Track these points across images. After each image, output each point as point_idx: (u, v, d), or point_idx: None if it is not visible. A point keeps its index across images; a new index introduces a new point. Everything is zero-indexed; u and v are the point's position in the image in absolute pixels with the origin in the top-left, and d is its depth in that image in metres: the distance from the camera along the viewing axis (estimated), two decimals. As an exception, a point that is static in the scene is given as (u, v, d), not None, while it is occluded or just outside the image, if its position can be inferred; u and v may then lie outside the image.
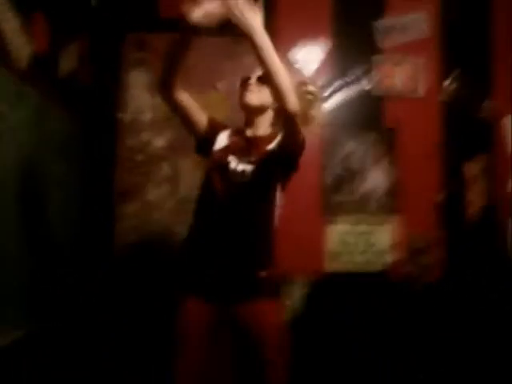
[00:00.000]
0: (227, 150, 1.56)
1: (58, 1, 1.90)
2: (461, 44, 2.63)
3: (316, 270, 2.45)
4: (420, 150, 2.53)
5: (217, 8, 1.33)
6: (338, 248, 2.48)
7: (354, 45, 2.59)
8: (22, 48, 1.61)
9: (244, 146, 1.56)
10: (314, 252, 2.46)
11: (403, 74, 2.60)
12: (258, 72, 1.52)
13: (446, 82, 2.60)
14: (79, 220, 2.24)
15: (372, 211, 2.51)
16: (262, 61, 1.35)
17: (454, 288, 2.45)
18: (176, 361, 1.50)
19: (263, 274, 1.48)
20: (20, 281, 1.63)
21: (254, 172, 1.49)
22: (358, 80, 2.56)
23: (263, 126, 1.59)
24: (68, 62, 1.98)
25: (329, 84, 2.55)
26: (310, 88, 1.64)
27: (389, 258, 2.49)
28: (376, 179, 2.54)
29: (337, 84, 2.56)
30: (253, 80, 1.55)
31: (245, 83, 1.57)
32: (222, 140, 1.59)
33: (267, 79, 1.39)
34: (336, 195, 2.52)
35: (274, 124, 1.60)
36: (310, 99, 1.62)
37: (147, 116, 2.41)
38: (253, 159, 1.51)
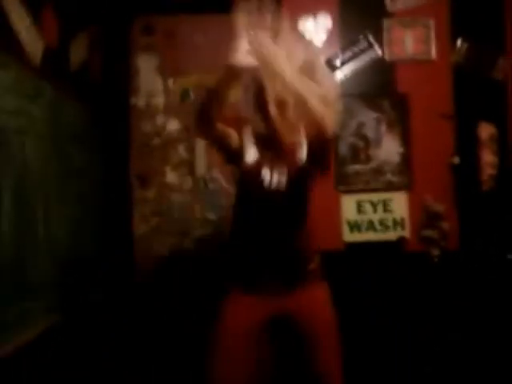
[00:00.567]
0: (259, 163, 1.58)
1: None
2: (471, 3, 2.57)
3: (335, 241, 2.50)
4: (433, 114, 2.53)
5: (250, 48, 1.40)
6: (356, 217, 2.52)
7: (362, 12, 2.54)
8: (35, 44, 1.64)
9: (273, 156, 1.58)
10: (333, 222, 2.50)
11: (414, 38, 2.56)
12: (274, 96, 1.48)
13: (458, 43, 2.55)
14: (100, 207, 2.30)
15: (388, 178, 2.54)
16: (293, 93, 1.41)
17: (470, 257, 2.48)
18: (216, 361, 1.53)
19: (313, 265, 1.62)
20: (45, 271, 1.71)
21: (288, 183, 1.57)
22: (368, 47, 2.53)
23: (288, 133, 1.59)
24: (78, 53, 1.99)
25: (340, 53, 2.53)
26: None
27: (407, 224, 2.52)
28: (391, 146, 2.55)
29: (348, 53, 2.53)
30: (273, 108, 1.50)
31: (265, 113, 1.53)
32: (252, 151, 1.60)
33: (303, 110, 1.44)
34: (352, 165, 2.54)
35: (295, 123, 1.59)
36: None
37: (160, 100, 2.44)
38: (284, 169, 1.57)
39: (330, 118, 1.45)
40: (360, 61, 2.54)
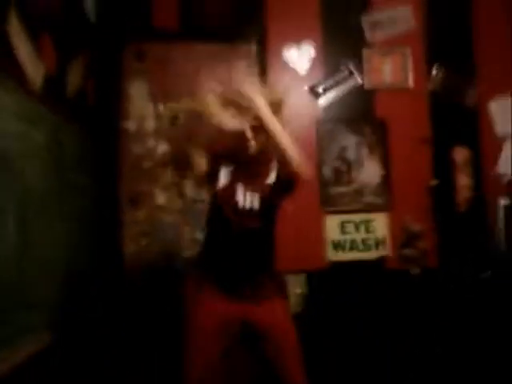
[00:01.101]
0: (229, 187, 1.73)
1: (61, 21, 1.98)
2: (445, 34, 2.75)
3: (319, 260, 2.59)
4: (411, 139, 2.67)
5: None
6: (339, 237, 2.62)
7: (344, 41, 2.70)
8: (36, 70, 1.71)
9: (245, 179, 1.74)
10: (316, 242, 2.60)
11: (392, 66, 2.71)
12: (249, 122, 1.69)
13: (433, 72, 2.72)
14: (93, 227, 2.35)
15: (369, 199, 2.65)
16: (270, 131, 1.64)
17: (447, 273, 2.60)
18: (188, 354, 1.64)
19: (275, 283, 1.77)
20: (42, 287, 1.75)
21: (260, 206, 1.71)
22: (349, 75, 2.68)
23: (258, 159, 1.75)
24: (74, 79, 2.08)
25: (322, 81, 2.66)
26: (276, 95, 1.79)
27: (388, 244, 2.64)
28: (371, 169, 2.67)
29: (330, 80, 2.67)
30: (250, 133, 1.69)
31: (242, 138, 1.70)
32: (225, 175, 1.75)
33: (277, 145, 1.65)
34: (335, 187, 2.65)
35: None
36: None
37: (150, 124, 2.52)
38: (255, 193, 1.72)
39: (298, 158, 1.64)
40: (342, 88, 2.68)
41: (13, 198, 1.52)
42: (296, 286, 2.53)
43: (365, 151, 2.68)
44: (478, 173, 2.70)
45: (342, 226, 2.63)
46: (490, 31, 2.75)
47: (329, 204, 2.63)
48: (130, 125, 2.51)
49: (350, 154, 2.67)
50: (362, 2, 2.72)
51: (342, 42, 2.70)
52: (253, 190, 1.72)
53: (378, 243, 2.64)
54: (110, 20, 2.46)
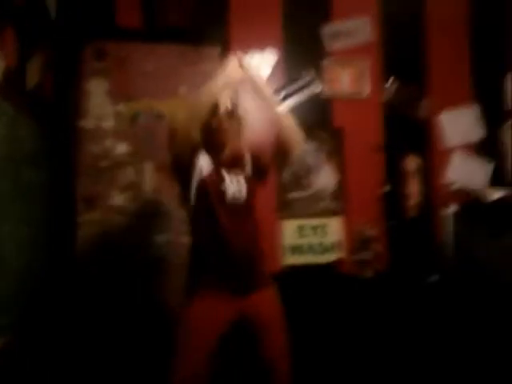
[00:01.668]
0: (215, 174, 1.71)
1: (24, 14, 1.94)
2: (400, 47, 2.87)
3: (275, 264, 2.63)
4: (365, 147, 2.78)
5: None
6: (296, 240, 2.68)
7: (304, 50, 2.77)
8: (-3, 63, 1.67)
9: (227, 166, 1.75)
10: (273, 246, 2.65)
11: (350, 76, 2.81)
12: (224, 108, 1.72)
13: (388, 84, 2.84)
14: (47, 227, 2.29)
15: (325, 204, 2.73)
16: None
17: (397, 277, 2.72)
18: (179, 354, 1.63)
19: (264, 267, 1.81)
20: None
21: (246, 191, 1.74)
22: (309, 83, 2.75)
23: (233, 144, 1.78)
24: (33, 74, 2.02)
25: (281, 88, 2.72)
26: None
27: (343, 247, 2.72)
28: (328, 174, 2.75)
29: (290, 87, 2.73)
30: (225, 120, 1.73)
31: (218, 124, 1.73)
32: (204, 164, 1.72)
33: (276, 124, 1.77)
34: (292, 192, 2.71)
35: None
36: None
37: (109, 123, 2.49)
38: (240, 178, 1.75)
39: (298, 140, 1.74)
40: (301, 95, 2.75)
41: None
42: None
43: (322, 157, 2.76)
44: (427, 181, 2.84)
45: (299, 230, 2.69)
46: (442, 46, 2.90)
47: (286, 208, 2.69)
48: (88, 123, 2.46)
49: (308, 160, 2.74)
50: (323, 12, 2.80)
51: (304, 51, 2.77)
52: (237, 175, 1.74)
53: (333, 247, 2.72)
54: (70, 17, 2.41)
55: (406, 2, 2.89)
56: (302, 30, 2.77)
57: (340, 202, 2.75)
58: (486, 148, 2.89)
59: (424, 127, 2.88)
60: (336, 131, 2.77)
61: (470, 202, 2.69)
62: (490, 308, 2.23)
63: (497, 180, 2.84)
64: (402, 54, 2.88)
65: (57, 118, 2.36)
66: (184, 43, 2.58)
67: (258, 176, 1.83)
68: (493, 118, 2.89)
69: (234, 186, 1.72)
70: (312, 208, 2.72)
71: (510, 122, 2.82)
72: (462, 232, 2.54)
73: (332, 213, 2.73)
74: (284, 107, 2.69)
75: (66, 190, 2.41)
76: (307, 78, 2.75)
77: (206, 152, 1.73)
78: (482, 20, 2.94)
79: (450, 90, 2.89)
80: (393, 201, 2.78)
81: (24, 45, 1.92)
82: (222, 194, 1.69)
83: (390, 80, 2.84)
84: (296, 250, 2.68)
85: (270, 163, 1.86)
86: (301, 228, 2.70)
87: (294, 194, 2.72)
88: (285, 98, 2.71)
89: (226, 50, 2.65)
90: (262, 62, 2.70)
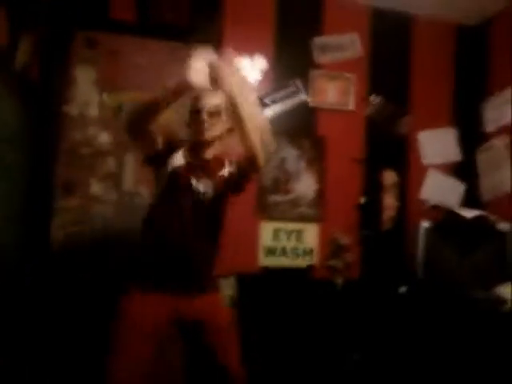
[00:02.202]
0: (187, 169, 1.71)
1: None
2: (386, 65, 2.97)
3: (251, 264, 2.66)
4: (346, 158, 2.85)
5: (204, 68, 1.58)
6: (271, 243, 2.71)
7: (294, 60, 2.83)
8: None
9: (199, 167, 1.74)
10: (251, 247, 2.68)
11: (336, 89, 2.88)
12: (208, 106, 1.70)
13: (371, 99, 2.92)
14: (20, 212, 2.26)
15: (303, 210, 2.77)
16: (239, 119, 1.61)
17: (368, 286, 2.78)
18: (115, 356, 1.57)
19: (213, 276, 1.79)
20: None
21: (213, 194, 1.72)
22: (296, 92, 2.81)
23: (213, 150, 1.76)
24: (21, 55, 2.02)
25: (270, 93, 2.77)
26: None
27: (316, 253, 2.76)
28: (308, 182, 2.80)
29: (277, 94, 2.78)
30: (205, 116, 1.69)
31: (197, 119, 1.70)
32: (179, 158, 1.73)
33: (242, 136, 1.63)
34: (272, 196, 2.74)
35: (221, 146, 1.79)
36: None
37: (94, 112, 2.48)
38: (209, 181, 1.72)
39: (260, 147, 1.64)
40: (288, 103, 2.80)
41: None
42: (227, 288, 2.57)
43: (303, 164, 2.80)
44: (403, 196, 2.92)
45: (275, 234, 2.72)
46: (427, 68, 3.02)
47: (265, 211, 2.72)
48: (73, 109, 2.45)
49: (290, 166, 2.79)
50: (315, 24, 2.88)
51: (293, 60, 2.83)
52: (207, 178, 1.72)
53: (307, 252, 2.75)
54: (65, 2, 2.41)
55: (394, 24, 2.99)
56: (294, 39, 2.84)
57: (317, 209, 2.79)
58: (462, 169, 3.00)
59: (403, 144, 2.97)
60: (318, 140, 2.83)
61: (442, 219, 2.77)
62: (454, 320, 2.30)
63: (470, 200, 2.94)
64: (387, 71, 2.98)
65: (41, 102, 2.34)
66: (176, 40, 2.60)
67: (231, 187, 1.77)
68: (470, 140, 3.00)
69: (204, 185, 1.71)
70: (290, 213, 2.76)
71: (484, 145, 2.92)
72: (433, 247, 2.60)
73: (309, 219, 2.77)
74: (269, 113, 2.76)
75: (45, 175, 2.39)
76: (294, 87, 2.81)
77: (186, 147, 1.75)
78: (465, 48, 3.08)
79: (431, 110, 3.00)
80: (369, 212, 2.84)
81: (16, 24, 1.91)
82: (190, 188, 1.69)
83: (373, 96, 2.92)
84: (271, 252, 2.70)
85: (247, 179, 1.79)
86: (276, 231, 2.72)
87: (274, 198, 2.75)
88: (271, 103, 2.76)
89: (217, 50, 2.68)
90: (252, 66, 2.75)
